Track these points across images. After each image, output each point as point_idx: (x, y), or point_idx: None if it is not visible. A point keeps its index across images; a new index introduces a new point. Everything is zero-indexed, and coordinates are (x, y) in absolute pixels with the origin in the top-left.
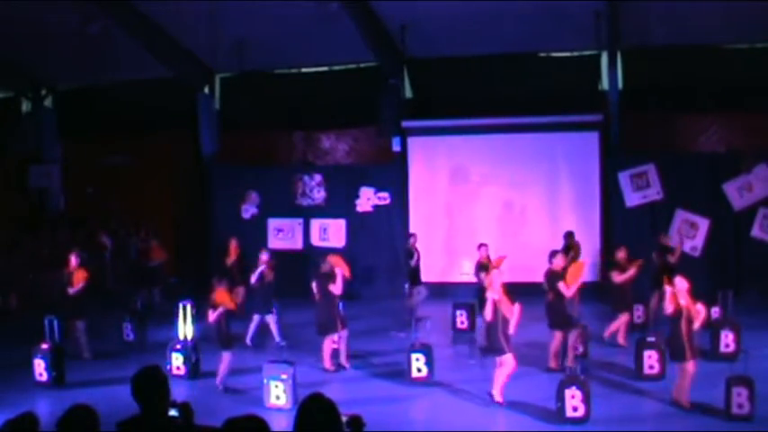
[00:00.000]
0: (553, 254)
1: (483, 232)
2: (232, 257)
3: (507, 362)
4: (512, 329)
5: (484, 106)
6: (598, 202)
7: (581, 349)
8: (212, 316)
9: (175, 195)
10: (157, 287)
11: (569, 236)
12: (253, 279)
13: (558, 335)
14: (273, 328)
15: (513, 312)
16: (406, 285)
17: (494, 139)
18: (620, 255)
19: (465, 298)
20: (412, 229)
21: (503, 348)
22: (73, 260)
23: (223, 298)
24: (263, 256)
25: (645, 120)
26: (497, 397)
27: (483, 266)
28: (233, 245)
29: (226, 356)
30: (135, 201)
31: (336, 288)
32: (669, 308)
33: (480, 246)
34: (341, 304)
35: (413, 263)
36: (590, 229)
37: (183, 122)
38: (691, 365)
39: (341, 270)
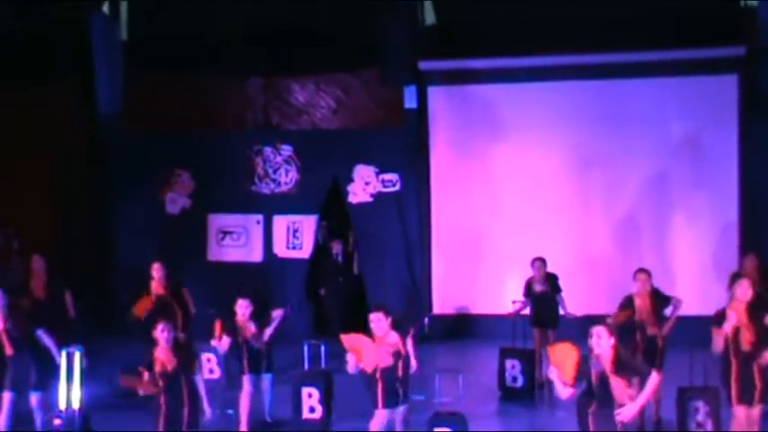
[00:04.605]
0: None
1: (547, 236)
2: (156, 290)
3: None
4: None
5: (548, 38)
6: (736, 190)
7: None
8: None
9: (54, 178)
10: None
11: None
12: (266, 335)
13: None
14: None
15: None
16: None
17: (565, 88)
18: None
19: (516, 340)
20: (435, 233)
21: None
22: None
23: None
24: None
25: None
26: None
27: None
28: (156, 271)
29: None
30: None
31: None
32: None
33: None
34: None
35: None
36: (723, 232)
37: (67, 63)
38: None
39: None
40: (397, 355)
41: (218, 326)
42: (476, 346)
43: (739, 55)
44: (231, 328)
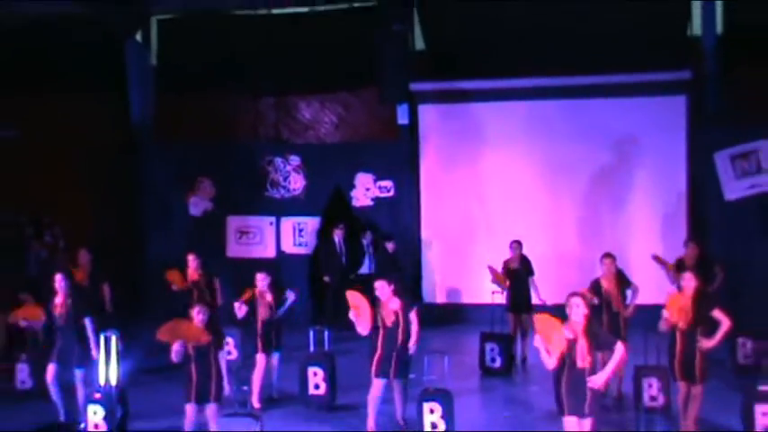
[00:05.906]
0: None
1: (522, 235)
2: (192, 276)
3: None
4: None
5: (526, 62)
6: (684, 194)
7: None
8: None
9: (92, 184)
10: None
11: None
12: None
13: None
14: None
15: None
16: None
17: (538, 107)
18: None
19: (495, 325)
20: (425, 233)
21: None
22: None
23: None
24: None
25: (755, 78)
26: None
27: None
28: (192, 261)
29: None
30: (32, 192)
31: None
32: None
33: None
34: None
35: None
36: (673, 231)
37: (104, 82)
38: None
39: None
40: (396, 319)
41: (247, 293)
42: (460, 330)
43: (686, 78)
44: (251, 297)
